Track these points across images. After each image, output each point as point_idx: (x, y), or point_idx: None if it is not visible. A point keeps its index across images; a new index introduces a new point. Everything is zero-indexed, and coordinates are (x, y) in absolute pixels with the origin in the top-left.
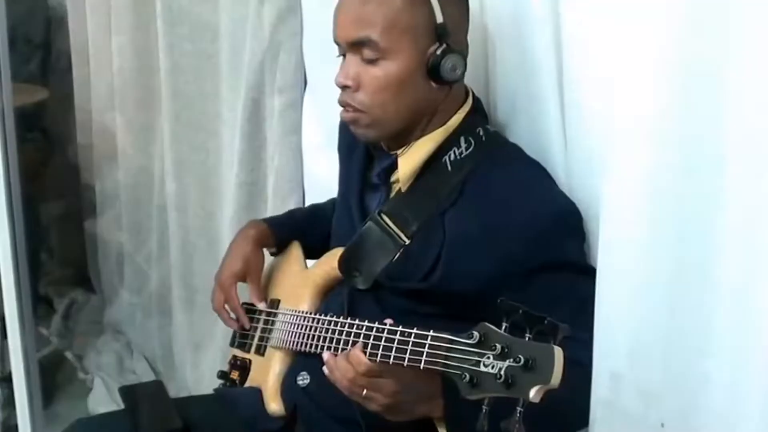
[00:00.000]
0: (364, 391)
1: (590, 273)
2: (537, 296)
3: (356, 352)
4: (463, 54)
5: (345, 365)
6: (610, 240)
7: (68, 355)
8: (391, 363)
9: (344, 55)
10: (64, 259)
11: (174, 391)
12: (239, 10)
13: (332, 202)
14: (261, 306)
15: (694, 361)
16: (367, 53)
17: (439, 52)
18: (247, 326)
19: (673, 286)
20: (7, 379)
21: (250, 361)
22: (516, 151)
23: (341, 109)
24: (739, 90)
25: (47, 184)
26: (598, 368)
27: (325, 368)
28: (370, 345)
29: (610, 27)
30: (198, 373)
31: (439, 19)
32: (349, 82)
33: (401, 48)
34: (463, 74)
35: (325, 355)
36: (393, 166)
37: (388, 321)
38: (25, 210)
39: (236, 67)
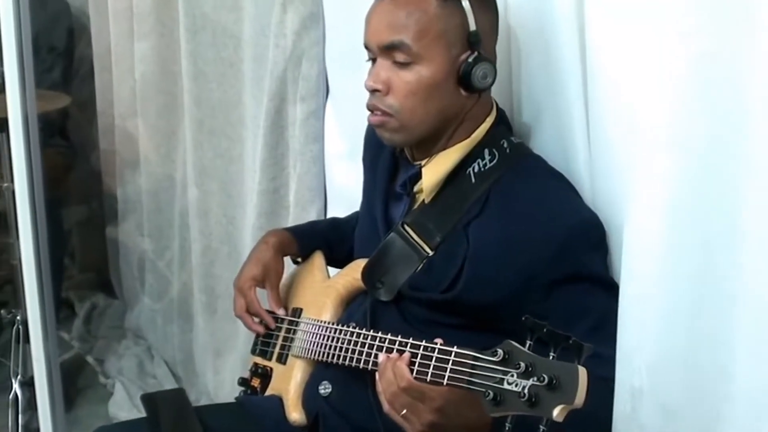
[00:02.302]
0: (403, 410)
1: (612, 287)
2: (558, 308)
3: (401, 365)
4: (493, 63)
5: (390, 377)
6: (632, 252)
7: (89, 359)
8: (413, 377)
9: (373, 60)
10: (86, 264)
11: (194, 396)
12: (262, 19)
13: (354, 215)
14: (280, 312)
15: (716, 376)
16: (399, 57)
17: (470, 59)
18: (273, 326)
19: (696, 300)
20: (29, 383)
21: (271, 369)
22: (540, 162)
23: (367, 114)
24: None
25: (70, 189)
26: (618, 383)
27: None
28: None
29: (634, 34)
30: (219, 380)
31: (472, 27)
32: (379, 86)
33: (433, 53)
34: (492, 83)
35: (381, 356)
36: (417, 177)
37: (439, 341)
38: (48, 215)
39: (259, 75)
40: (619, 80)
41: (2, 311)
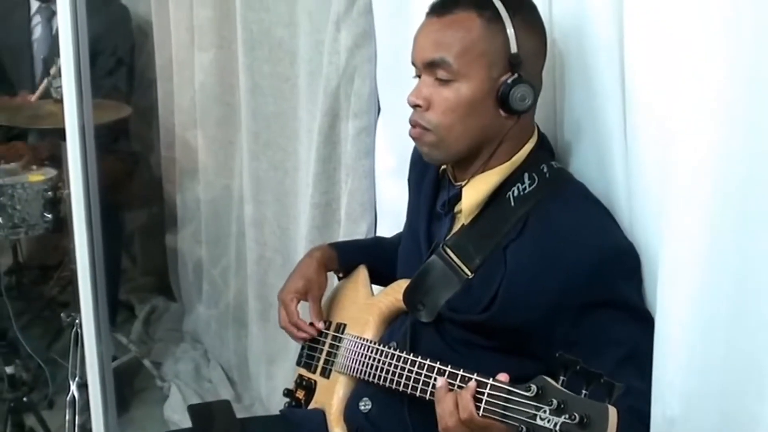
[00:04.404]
0: None
1: (646, 317)
2: (589, 334)
3: (467, 396)
4: (534, 86)
5: (450, 406)
6: (667, 282)
7: (146, 362)
8: None
9: (419, 77)
10: (147, 267)
11: (248, 401)
12: (316, 35)
13: (399, 235)
14: (319, 325)
15: (749, 405)
16: (441, 74)
17: (510, 81)
18: (314, 333)
19: (731, 329)
20: (86, 385)
21: (315, 382)
22: (580, 188)
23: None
24: None
25: (133, 194)
26: (653, 415)
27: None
28: (431, 385)
29: (673, 58)
30: (271, 386)
31: (513, 49)
32: (420, 102)
33: (474, 73)
34: (531, 106)
35: (440, 381)
36: (457, 197)
37: (503, 376)
38: (105, 221)
39: (313, 91)
40: (657, 105)
41: (62, 314)
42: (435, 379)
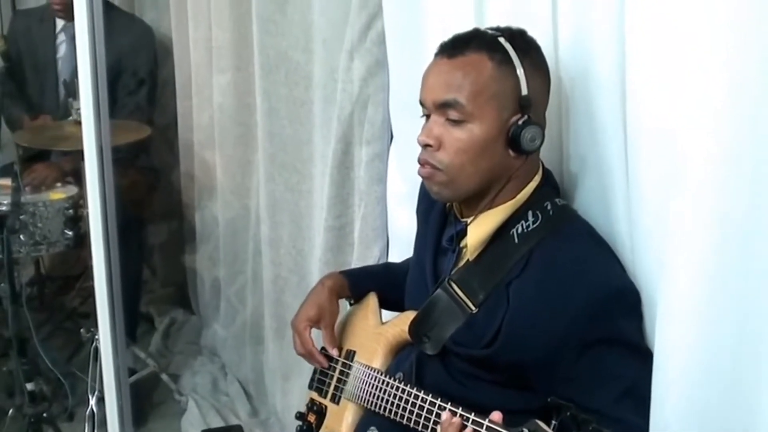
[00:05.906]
0: None
1: (646, 355)
2: (589, 371)
3: None
4: (542, 127)
5: None
6: (666, 321)
7: (163, 377)
8: None
9: (427, 117)
10: (168, 279)
11: (264, 415)
12: (331, 62)
13: (407, 261)
14: (333, 352)
15: None
16: (453, 115)
17: (520, 122)
18: (325, 365)
19: (729, 369)
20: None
21: (325, 407)
22: (582, 226)
23: (418, 167)
24: None
25: (154, 207)
26: None
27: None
28: (432, 420)
29: (674, 94)
30: (286, 402)
31: (524, 91)
32: (431, 141)
33: (485, 114)
34: (540, 146)
35: (444, 415)
36: (463, 232)
37: (496, 414)
38: (126, 235)
39: (328, 116)
40: (658, 144)
41: (82, 330)
42: (436, 415)
